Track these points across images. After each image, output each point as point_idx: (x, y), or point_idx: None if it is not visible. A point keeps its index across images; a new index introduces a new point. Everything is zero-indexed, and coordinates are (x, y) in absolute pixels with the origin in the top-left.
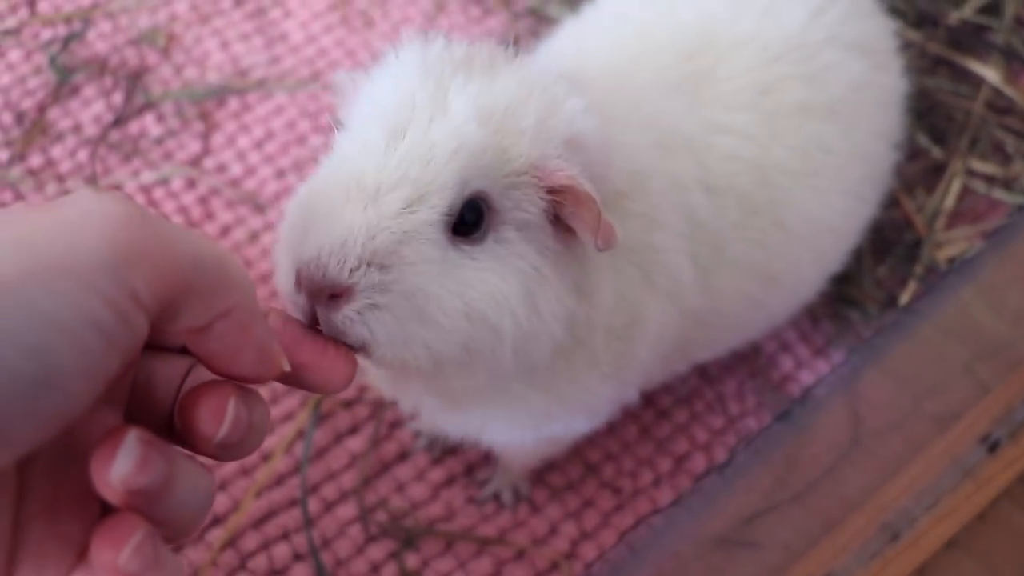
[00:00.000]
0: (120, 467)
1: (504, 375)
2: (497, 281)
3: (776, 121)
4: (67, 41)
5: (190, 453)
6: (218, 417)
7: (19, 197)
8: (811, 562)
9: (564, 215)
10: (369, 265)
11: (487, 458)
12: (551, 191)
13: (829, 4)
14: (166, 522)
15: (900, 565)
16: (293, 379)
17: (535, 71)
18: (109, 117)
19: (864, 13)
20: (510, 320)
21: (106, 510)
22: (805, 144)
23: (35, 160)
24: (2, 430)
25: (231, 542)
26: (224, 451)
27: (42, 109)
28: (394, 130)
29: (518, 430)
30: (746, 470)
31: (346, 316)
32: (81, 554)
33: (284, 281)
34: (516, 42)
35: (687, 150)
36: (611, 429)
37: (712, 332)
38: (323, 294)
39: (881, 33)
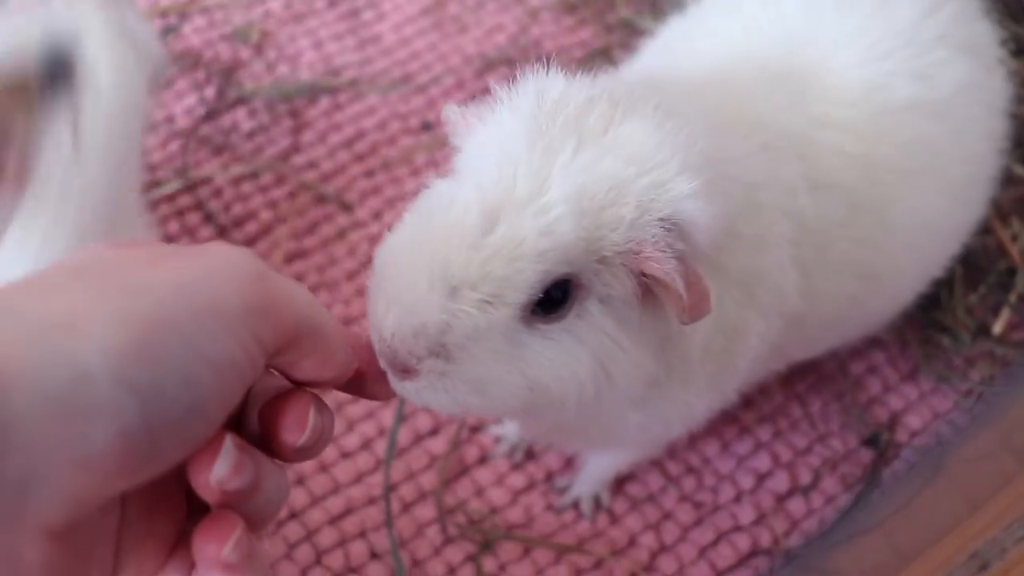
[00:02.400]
0: (219, 470)
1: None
2: (568, 360)
3: (883, 118)
4: (163, 35)
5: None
6: (300, 426)
7: None
8: None
9: (653, 289)
10: (437, 356)
11: (568, 465)
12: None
13: (941, 4)
14: (251, 517)
15: None
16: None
17: (651, 136)
18: (201, 110)
19: (973, 16)
20: (575, 392)
21: (191, 509)
22: (912, 142)
23: None
24: (157, 450)
25: (308, 537)
26: (299, 455)
27: None
28: (489, 213)
29: (615, 444)
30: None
31: (413, 389)
32: (172, 549)
33: (372, 339)
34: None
35: (792, 149)
36: (692, 442)
37: (809, 332)
38: (394, 368)
39: (989, 37)
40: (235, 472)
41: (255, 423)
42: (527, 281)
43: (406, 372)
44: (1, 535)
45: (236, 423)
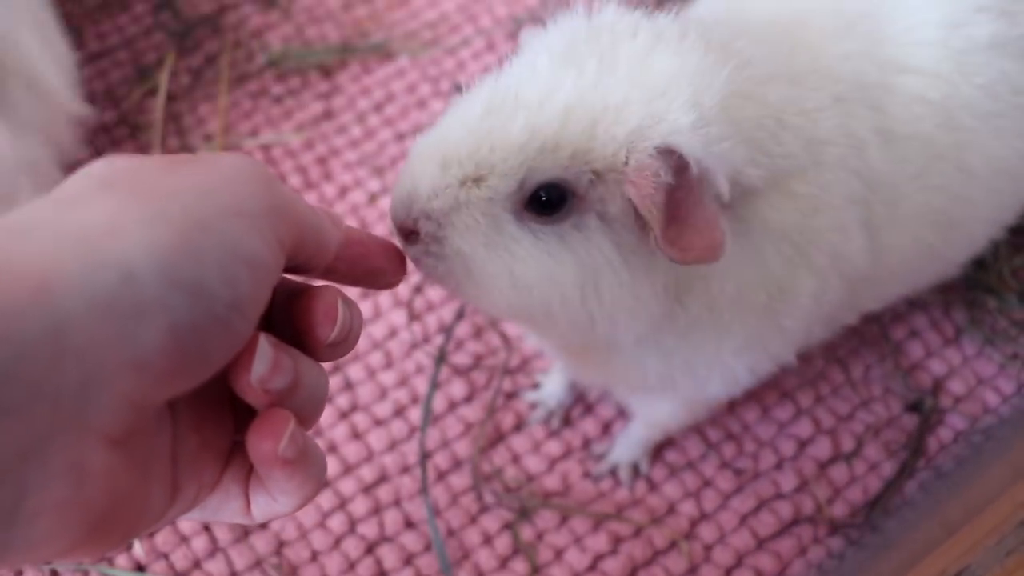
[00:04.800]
0: (258, 368)
1: (587, 343)
2: (551, 264)
3: (965, 58)
4: None
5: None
6: (331, 319)
7: (141, 149)
8: (945, 556)
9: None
10: (428, 219)
11: (605, 431)
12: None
13: None
14: (297, 415)
15: None
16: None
17: (674, 68)
18: (230, 74)
19: None
20: (558, 300)
21: (238, 424)
22: (995, 83)
23: (156, 113)
24: (204, 350)
25: (341, 506)
26: (331, 351)
27: (163, 63)
28: (491, 106)
29: (642, 391)
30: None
31: (415, 252)
32: (226, 462)
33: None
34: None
35: (865, 101)
36: (731, 408)
37: (883, 286)
38: (399, 231)
39: None
40: (274, 369)
41: (281, 326)
42: (509, 169)
43: (408, 235)
44: (66, 443)
45: (263, 328)
